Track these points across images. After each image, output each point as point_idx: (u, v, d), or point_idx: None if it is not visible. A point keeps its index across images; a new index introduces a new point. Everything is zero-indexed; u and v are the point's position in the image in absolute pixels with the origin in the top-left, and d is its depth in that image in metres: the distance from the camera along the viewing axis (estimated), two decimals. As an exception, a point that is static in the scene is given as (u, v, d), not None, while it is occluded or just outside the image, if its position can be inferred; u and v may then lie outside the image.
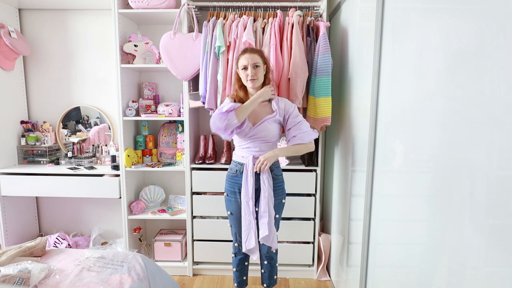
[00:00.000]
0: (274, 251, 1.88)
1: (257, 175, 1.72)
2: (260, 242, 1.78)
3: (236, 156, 1.79)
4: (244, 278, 1.94)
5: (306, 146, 1.71)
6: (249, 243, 1.70)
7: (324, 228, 2.53)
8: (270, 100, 1.77)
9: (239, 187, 1.75)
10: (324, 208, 2.58)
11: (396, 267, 1.29)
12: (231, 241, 2.27)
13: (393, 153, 1.32)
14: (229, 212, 1.82)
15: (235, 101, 1.75)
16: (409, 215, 1.18)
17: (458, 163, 0.88)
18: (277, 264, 1.94)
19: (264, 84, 1.75)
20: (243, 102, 1.73)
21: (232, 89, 1.87)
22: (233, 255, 1.91)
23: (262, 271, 1.94)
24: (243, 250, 1.74)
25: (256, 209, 1.78)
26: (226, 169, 2.21)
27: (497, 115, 0.74)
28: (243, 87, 1.76)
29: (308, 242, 2.31)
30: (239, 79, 1.75)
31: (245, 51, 1.71)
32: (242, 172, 1.73)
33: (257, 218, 1.79)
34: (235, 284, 1.94)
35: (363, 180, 1.56)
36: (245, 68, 1.68)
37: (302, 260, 2.32)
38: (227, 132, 1.63)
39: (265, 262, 1.90)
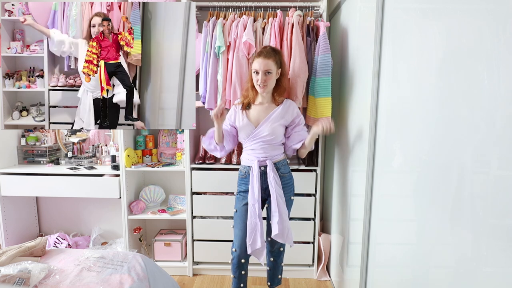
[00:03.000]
0: (282, 249, 1.88)
1: (264, 175, 1.74)
2: (272, 239, 1.80)
3: (243, 159, 1.83)
4: (242, 285, 1.88)
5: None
6: (253, 245, 1.70)
7: (324, 228, 2.53)
8: (276, 102, 1.77)
9: (247, 188, 1.77)
10: (324, 208, 2.58)
11: (396, 267, 1.29)
12: (231, 241, 2.26)
13: (393, 153, 1.32)
14: (234, 210, 1.83)
15: (243, 104, 1.79)
16: (409, 215, 1.18)
17: (458, 163, 0.88)
18: (282, 264, 1.94)
19: (275, 88, 1.75)
20: (249, 104, 1.77)
21: (245, 86, 1.89)
22: (230, 261, 1.87)
23: (268, 268, 1.94)
24: (249, 252, 1.73)
25: (266, 205, 1.82)
26: (226, 169, 2.22)
27: (497, 115, 0.74)
28: (254, 87, 1.75)
29: (308, 242, 2.31)
30: (251, 79, 1.74)
31: (260, 54, 1.68)
32: (250, 173, 1.76)
33: (266, 218, 1.83)
34: None
35: (363, 180, 1.56)
36: (256, 72, 1.68)
37: (302, 260, 2.32)
38: (217, 151, 1.86)
39: (271, 259, 1.90)
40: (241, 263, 1.81)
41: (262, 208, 1.84)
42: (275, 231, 1.67)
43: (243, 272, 1.85)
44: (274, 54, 1.69)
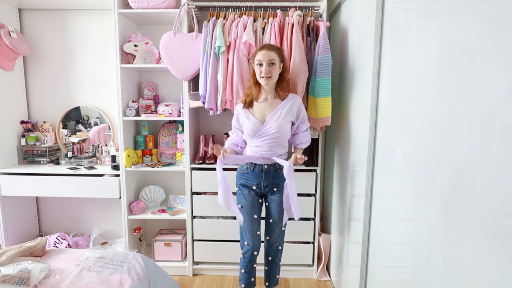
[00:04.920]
0: (280, 247, 1.88)
1: (267, 173, 1.76)
2: (270, 238, 1.84)
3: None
4: (252, 279, 1.91)
5: None
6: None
7: (324, 228, 2.52)
8: (281, 97, 1.78)
9: (250, 183, 1.79)
10: (324, 208, 2.58)
11: (396, 267, 1.29)
12: (231, 241, 2.27)
13: (393, 153, 1.32)
14: (239, 206, 1.84)
15: (245, 102, 1.79)
16: (409, 215, 1.18)
17: (458, 163, 0.88)
18: (280, 263, 1.94)
19: (278, 83, 1.76)
20: (252, 102, 1.78)
21: (246, 84, 1.90)
22: (241, 256, 1.88)
23: (266, 268, 1.94)
24: None
25: (266, 204, 1.85)
26: (226, 169, 2.21)
27: (497, 115, 0.74)
28: (257, 83, 1.75)
29: (308, 242, 2.31)
30: (254, 75, 1.75)
31: (263, 47, 1.71)
32: (253, 170, 1.78)
33: (265, 217, 1.86)
34: (243, 285, 1.90)
35: (363, 180, 1.56)
36: (260, 64, 1.68)
37: (302, 260, 2.32)
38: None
39: (269, 258, 1.91)
40: (253, 256, 1.85)
41: (261, 206, 1.86)
42: (297, 215, 1.71)
43: (254, 265, 1.90)
44: (276, 47, 1.73)
